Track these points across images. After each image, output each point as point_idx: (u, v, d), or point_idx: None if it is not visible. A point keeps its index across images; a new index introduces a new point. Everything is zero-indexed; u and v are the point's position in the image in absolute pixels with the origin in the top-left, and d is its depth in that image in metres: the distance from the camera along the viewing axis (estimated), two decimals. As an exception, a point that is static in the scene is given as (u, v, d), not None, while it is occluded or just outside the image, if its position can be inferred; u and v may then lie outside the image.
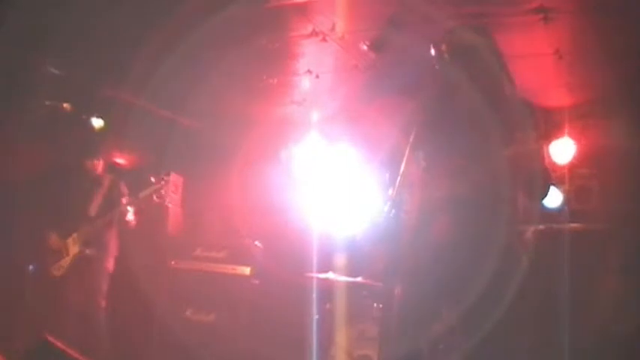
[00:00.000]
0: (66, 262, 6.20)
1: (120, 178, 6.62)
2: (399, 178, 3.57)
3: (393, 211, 3.57)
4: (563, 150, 6.20)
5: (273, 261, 6.85)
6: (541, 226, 5.52)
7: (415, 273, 3.54)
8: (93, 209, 6.39)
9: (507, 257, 3.39)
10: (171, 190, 7.11)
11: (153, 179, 6.46)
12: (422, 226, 3.51)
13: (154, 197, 6.41)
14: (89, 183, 6.49)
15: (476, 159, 3.40)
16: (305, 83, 6.70)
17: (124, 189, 6.51)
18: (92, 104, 6.53)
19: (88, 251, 6.28)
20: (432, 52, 3.60)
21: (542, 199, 3.55)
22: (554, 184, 5.47)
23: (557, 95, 5.83)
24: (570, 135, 6.07)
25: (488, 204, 3.37)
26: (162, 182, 6.45)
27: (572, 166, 6.22)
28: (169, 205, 7.24)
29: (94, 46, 5.55)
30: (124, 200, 6.40)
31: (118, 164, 7.05)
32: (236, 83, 6.70)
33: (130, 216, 6.28)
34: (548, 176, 3.50)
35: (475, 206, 3.38)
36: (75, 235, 6.27)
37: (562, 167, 6.23)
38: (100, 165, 6.54)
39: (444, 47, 3.60)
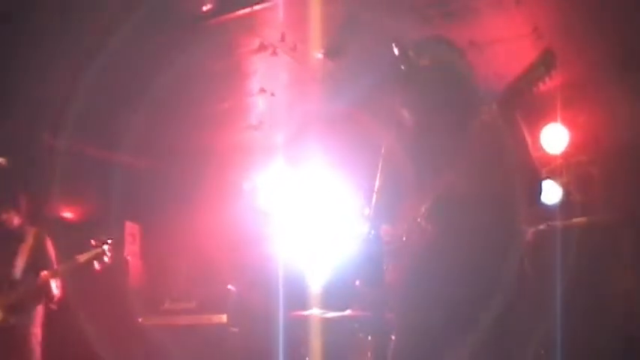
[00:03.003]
0: None
1: (47, 231, 6.07)
2: (374, 195, 3.48)
3: (373, 231, 3.46)
4: (555, 138, 6.11)
5: (250, 304, 6.80)
6: (541, 226, 5.44)
7: (408, 295, 3.34)
8: (17, 270, 5.84)
9: (512, 264, 3.17)
10: (129, 241, 7.08)
11: (93, 242, 5.85)
12: (405, 242, 3.34)
13: (95, 264, 5.81)
14: (5, 239, 5.92)
15: (459, 161, 3.26)
16: (260, 104, 6.73)
17: (49, 247, 5.95)
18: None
19: (12, 320, 5.73)
20: (395, 51, 3.46)
21: (536, 200, 3.32)
22: (544, 180, 5.40)
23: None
24: (562, 121, 6.01)
25: (480, 207, 3.21)
26: (105, 246, 5.97)
27: (568, 155, 6.13)
28: (128, 258, 7.16)
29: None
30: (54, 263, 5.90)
31: (50, 214, 6.71)
32: (183, 113, 6.69)
33: (55, 289, 5.74)
34: (536, 173, 3.29)
35: (465, 211, 3.22)
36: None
37: (556, 157, 6.14)
38: (15, 216, 5.91)
39: (407, 44, 3.47)
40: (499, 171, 3.16)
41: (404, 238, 3.34)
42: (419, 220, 3.28)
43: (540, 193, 3.24)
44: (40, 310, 5.81)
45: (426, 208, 3.27)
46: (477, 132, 3.17)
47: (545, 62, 3.12)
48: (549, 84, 3.08)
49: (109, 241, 5.75)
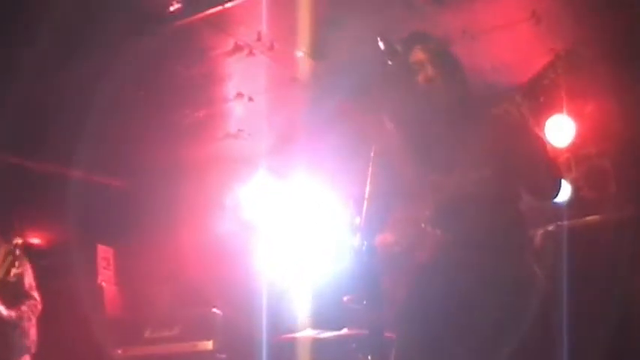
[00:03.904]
0: None
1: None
2: (365, 202, 3.46)
3: (366, 243, 3.42)
4: (560, 130, 5.96)
5: (238, 327, 6.68)
6: (550, 227, 5.34)
7: (411, 309, 3.29)
8: None
9: (527, 268, 3.20)
10: (102, 266, 7.00)
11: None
12: (405, 250, 3.30)
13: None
14: None
15: (459, 160, 3.22)
16: (237, 110, 6.59)
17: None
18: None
19: None
20: (381, 45, 3.42)
21: (554, 196, 3.33)
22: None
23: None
24: (567, 111, 5.84)
25: (496, 206, 3.17)
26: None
27: (576, 147, 6.01)
28: (103, 285, 7.04)
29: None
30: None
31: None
32: (154, 125, 6.57)
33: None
34: (555, 168, 3.27)
35: (479, 212, 3.16)
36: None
37: (563, 151, 6.00)
38: None
39: (394, 38, 3.45)
40: (513, 166, 3.12)
41: (404, 247, 3.29)
42: (423, 225, 3.22)
43: (559, 188, 3.23)
44: None
45: (431, 212, 3.22)
46: (490, 125, 3.12)
47: (572, 60, 3.10)
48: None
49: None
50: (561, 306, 4.90)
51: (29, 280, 5.73)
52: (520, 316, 3.07)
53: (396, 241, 3.33)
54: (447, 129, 3.26)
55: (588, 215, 5.64)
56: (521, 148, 3.08)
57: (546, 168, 3.14)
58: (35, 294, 5.71)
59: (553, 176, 3.20)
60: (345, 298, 3.93)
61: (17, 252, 5.62)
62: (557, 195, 3.27)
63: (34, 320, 5.68)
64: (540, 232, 5.17)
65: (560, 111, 5.81)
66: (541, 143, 3.20)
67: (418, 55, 3.31)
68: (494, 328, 3.00)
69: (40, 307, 5.70)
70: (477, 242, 3.09)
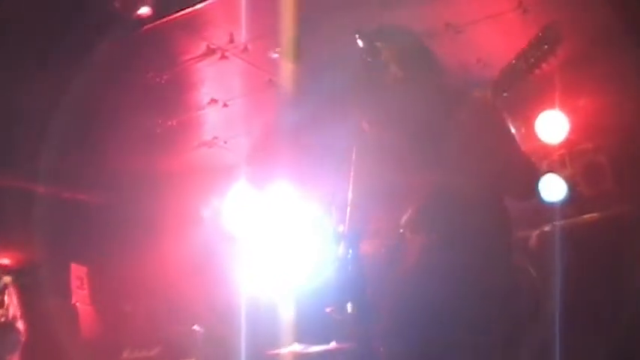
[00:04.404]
0: None
1: None
2: (348, 208, 3.38)
3: (351, 251, 3.36)
4: (553, 126, 5.93)
5: (220, 345, 6.63)
6: (546, 227, 5.35)
7: (398, 320, 3.21)
8: None
9: (510, 274, 3.18)
10: (76, 286, 6.96)
11: None
12: (387, 258, 3.24)
13: None
14: None
15: (447, 156, 3.14)
16: (212, 117, 6.52)
17: None
18: None
19: None
20: (359, 43, 3.36)
21: (532, 196, 3.30)
22: (541, 171, 5.56)
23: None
24: (560, 106, 5.82)
25: (477, 207, 3.11)
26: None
27: (571, 143, 5.96)
28: (77, 305, 7.02)
29: None
30: None
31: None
32: (125, 135, 6.44)
33: None
34: (530, 168, 3.24)
35: (461, 214, 3.11)
36: None
37: (557, 147, 5.99)
38: None
39: (372, 34, 3.38)
40: (492, 164, 3.07)
41: (385, 255, 3.24)
42: (401, 231, 3.18)
43: (537, 186, 3.27)
44: None
45: (410, 216, 3.17)
46: (466, 121, 3.07)
47: (548, 38, 2.98)
48: (552, 64, 2.95)
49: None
50: (559, 309, 4.88)
51: (14, 310, 5.73)
52: (512, 323, 3.06)
53: (377, 249, 3.28)
54: (423, 128, 3.20)
55: (586, 213, 5.64)
56: (496, 147, 3.05)
57: (520, 167, 3.11)
58: (20, 324, 5.70)
59: (528, 176, 3.19)
60: (327, 309, 3.74)
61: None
62: (533, 196, 3.26)
63: (16, 357, 5.68)
64: (536, 232, 5.17)
65: (552, 106, 5.77)
66: (514, 141, 3.18)
67: (383, 53, 3.27)
68: (484, 336, 2.95)
69: (23, 339, 5.69)
70: (461, 246, 3.04)
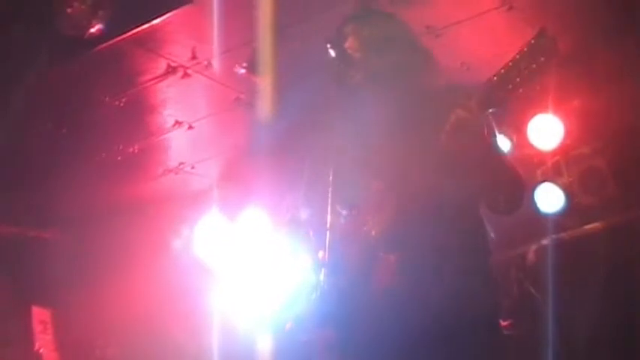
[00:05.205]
0: None
1: None
2: (327, 232, 3.25)
3: (332, 277, 3.25)
4: (546, 130, 5.82)
5: None
6: (544, 241, 5.31)
7: (373, 345, 3.10)
8: None
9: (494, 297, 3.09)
10: (39, 331, 6.80)
11: None
12: (359, 281, 3.17)
13: None
14: None
15: (428, 165, 3.04)
16: (177, 140, 6.45)
17: None
18: None
19: None
20: (332, 53, 3.27)
21: (513, 209, 3.16)
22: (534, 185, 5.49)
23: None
24: (552, 108, 5.70)
25: (458, 221, 3.02)
26: None
27: (567, 148, 5.85)
28: (41, 352, 6.86)
29: None
30: None
31: None
32: (85, 165, 6.35)
33: None
34: (516, 175, 3.12)
35: (440, 229, 3.00)
36: None
37: (551, 153, 5.90)
38: None
39: (348, 42, 3.26)
40: (476, 175, 2.98)
41: (357, 278, 3.18)
42: (373, 250, 3.11)
43: (522, 197, 3.14)
44: None
45: (381, 232, 3.10)
46: (452, 128, 2.89)
47: (543, 49, 2.70)
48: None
49: None
50: (560, 330, 4.85)
51: None
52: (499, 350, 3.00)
53: (350, 271, 3.19)
54: (396, 136, 3.11)
55: (587, 224, 5.63)
56: (478, 163, 2.93)
57: (504, 181, 3.01)
58: None
59: (513, 190, 3.09)
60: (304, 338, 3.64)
61: None
62: (516, 210, 3.14)
63: None
64: (533, 248, 5.17)
65: (544, 109, 5.68)
66: (498, 155, 3.08)
67: (350, 48, 3.20)
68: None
69: None
70: (436, 267, 2.92)
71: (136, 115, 5.95)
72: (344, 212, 3.28)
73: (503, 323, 3.17)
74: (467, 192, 3.00)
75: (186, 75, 5.41)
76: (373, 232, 3.12)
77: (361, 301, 3.15)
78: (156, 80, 5.48)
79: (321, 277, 3.28)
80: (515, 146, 5.55)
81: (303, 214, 3.70)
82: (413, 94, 3.15)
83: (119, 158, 6.42)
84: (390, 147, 3.15)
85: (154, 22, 4.84)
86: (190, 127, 6.19)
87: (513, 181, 3.08)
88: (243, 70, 5.42)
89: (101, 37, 4.88)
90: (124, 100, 5.63)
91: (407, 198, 3.02)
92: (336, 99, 3.42)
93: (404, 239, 2.99)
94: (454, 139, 2.90)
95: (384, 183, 3.14)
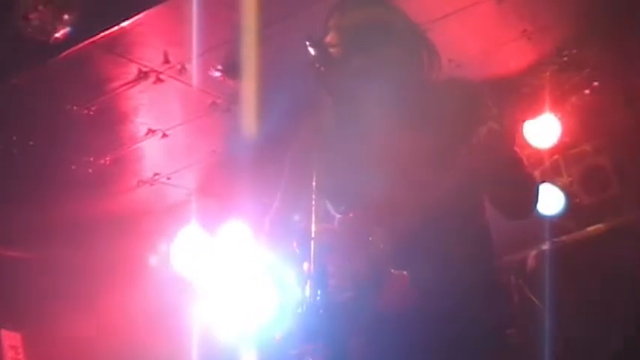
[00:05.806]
0: None
1: None
2: (312, 242, 3.02)
3: (319, 291, 3.02)
4: (543, 128, 5.72)
5: None
6: (544, 246, 5.19)
7: None
8: None
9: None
10: (10, 357, 6.65)
11: None
12: (363, 296, 2.97)
13: None
14: None
15: (413, 175, 2.93)
16: (151, 150, 6.33)
17: None
18: None
19: None
20: (312, 51, 3.06)
21: (529, 212, 3.11)
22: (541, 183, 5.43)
23: (517, 53, 5.47)
24: (552, 105, 5.62)
25: (450, 231, 2.90)
26: None
27: (565, 146, 5.83)
28: None
29: None
30: None
31: None
32: (53, 179, 6.23)
33: None
34: (532, 178, 3.08)
35: (464, 241, 2.90)
36: None
37: (549, 152, 5.83)
38: None
39: (329, 38, 3.10)
40: (492, 180, 2.86)
41: (357, 294, 3.02)
42: (382, 264, 2.93)
43: (538, 199, 3.09)
44: None
45: (394, 245, 2.92)
46: (483, 141, 2.75)
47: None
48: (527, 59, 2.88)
49: None
50: (560, 336, 4.75)
51: None
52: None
53: (345, 286, 3.03)
54: (394, 137, 2.98)
55: (589, 226, 5.55)
56: (503, 168, 2.82)
57: (523, 184, 2.95)
58: None
59: (531, 194, 3.04)
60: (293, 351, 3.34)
61: None
62: (531, 214, 3.10)
63: None
64: (533, 253, 5.07)
65: (540, 107, 5.62)
66: (518, 154, 2.98)
67: (332, 40, 3.06)
68: None
69: None
70: (447, 280, 2.85)
71: (107, 124, 5.84)
72: (338, 215, 3.14)
73: (509, 332, 3.01)
74: (477, 196, 2.96)
75: (158, 80, 5.33)
76: (382, 246, 2.97)
77: (365, 317, 3.00)
78: (127, 86, 5.39)
79: (307, 291, 3.02)
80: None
81: (285, 221, 3.65)
82: (406, 89, 3.00)
83: (90, 170, 6.34)
84: (390, 147, 3.02)
85: (123, 24, 4.74)
86: (165, 135, 6.12)
87: (530, 184, 3.04)
88: (218, 74, 5.42)
89: (67, 41, 4.79)
90: (93, 108, 5.53)
91: (420, 207, 2.90)
92: (318, 100, 3.22)
93: (417, 252, 2.87)
94: (482, 152, 2.78)
95: (389, 186, 2.98)
